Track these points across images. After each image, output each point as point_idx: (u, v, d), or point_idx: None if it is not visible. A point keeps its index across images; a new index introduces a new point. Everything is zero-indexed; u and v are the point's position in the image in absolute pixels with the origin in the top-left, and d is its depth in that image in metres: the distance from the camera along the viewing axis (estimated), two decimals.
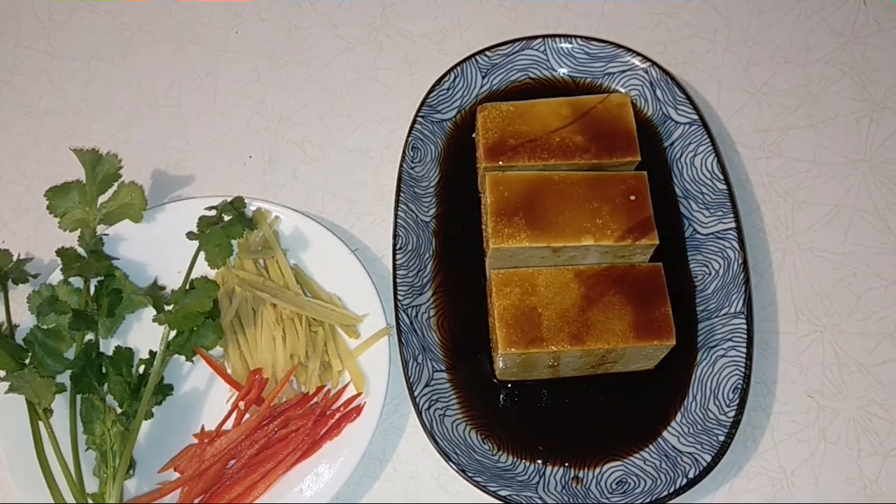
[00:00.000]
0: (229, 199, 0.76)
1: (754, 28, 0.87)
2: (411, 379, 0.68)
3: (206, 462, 0.69)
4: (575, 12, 0.89)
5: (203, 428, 0.72)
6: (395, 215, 0.74)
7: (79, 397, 0.71)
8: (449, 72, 0.80)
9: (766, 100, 0.83)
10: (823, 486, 0.68)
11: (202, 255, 0.73)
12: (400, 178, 0.75)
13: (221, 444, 0.70)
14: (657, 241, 0.68)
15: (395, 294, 0.71)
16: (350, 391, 0.71)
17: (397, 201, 0.74)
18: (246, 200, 0.77)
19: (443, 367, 0.71)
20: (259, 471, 0.69)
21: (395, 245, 0.73)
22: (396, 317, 0.70)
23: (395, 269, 0.72)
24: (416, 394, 0.68)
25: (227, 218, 0.74)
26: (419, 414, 0.67)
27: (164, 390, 0.72)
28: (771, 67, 0.85)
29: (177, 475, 0.70)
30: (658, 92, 0.79)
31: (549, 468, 0.67)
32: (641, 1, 0.89)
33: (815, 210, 0.78)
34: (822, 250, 0.77)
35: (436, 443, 0.66)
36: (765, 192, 0.79)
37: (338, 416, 0.70)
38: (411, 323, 0.71)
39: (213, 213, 0.75)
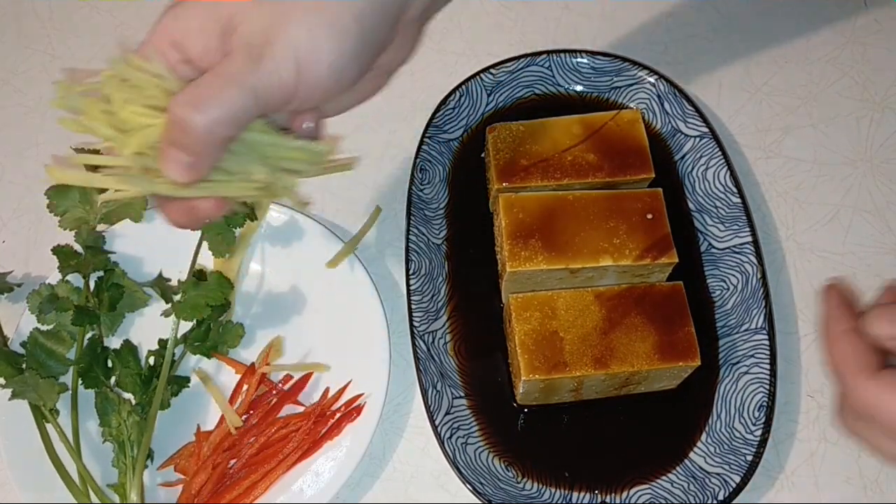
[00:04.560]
0: None
1: (754, 28, 0.87)
2: (432, 408, 0.67)
3: (206, 459, 0.69)
4: (575, 12, 0.89)
5: (199, 428, 0.72)
6: (407, 239, 0.73)
7: (86, 394, 0.71)
8: (454, 91, 0.79)
9: (766, 100, 0.83)
10: (823, 486, 0.68)
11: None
12: (410, 202, 0.75)
13: (215, 438, 0.70)
14: (676, 260, 0.68)
15: (411, 321, 0.70)
16: (350, 391, 0.71)
17: (408, 225, 0.74)
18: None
19: (462, 394, 0.70)
20: (259, 470, 0.69)
21: (408, 270, 0.72)
22: (413, 344, 0.69)
23: (409, 294, 0.71)
24: (437, 423, 0.67)
25: None
26: (441, 444, 0.66)
27: (180, 382, 0.73)
28: (771, 67, 0.85)
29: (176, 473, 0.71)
30: (666, 105, 0.78)
31: (575, 494, 0.67)
32: (641, 1, 0.89)
33: (816, 210, 0.78)
34: (822, 250, 0.77)
35: (460, 473, 0.65)
36: (765, 192, 0.79)
37: (338, 415, 0.70)
38: (428, 350, 0.70)
39: None
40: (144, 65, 0.44)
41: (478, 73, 0.79)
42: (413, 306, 0.71)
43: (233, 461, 0.70)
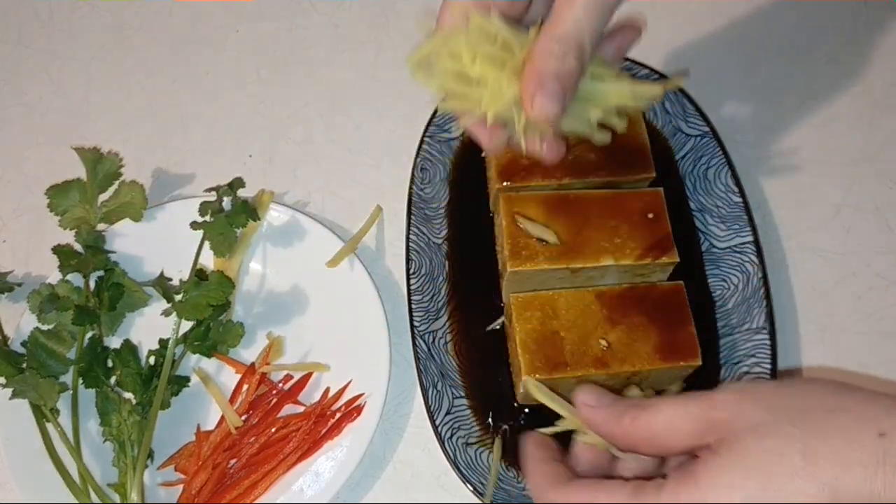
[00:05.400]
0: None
1: (754, 28, 0.87)
2: (432, 408, 0.67)
3: (207, 459, 0.69)
4: None
5: (199, 428, 0.72)
6: (407, 238, 0.73)
7: (87, 393, 0.71)
8: None
9: (767, 100, 0.83)
10: None
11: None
12: (410, 201, 0.75)
13: (215, 438, 0.70)
14: (677, 259, 0.67)
15: (412, 320, 0.70)
16: (350, 391, 0.71)
17: (409, 224, 0.74)
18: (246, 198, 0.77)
19: (462, 394, 0.70)
20: (259, 470, 0.69)
21: (408, 269, 0.72)
22: (414, 343, 0.69)
23: (409, 294, 0.71)
24: (437, 423, 0.67)
25: (226, 200, 0.75)
26: (442, 444, 0.66)
27: (180, 382, 0.73)
28: (771, 67, 0.85)
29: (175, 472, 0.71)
30: (667, 104, 0.78)
31: None
32: (642, 1, 0.89)
33: (816, 209, 0.78)
34: (822, 250, 0.76)
35: (460, 473, 0.65)
36: (766, 192, 0.79)
37: (338, 415, 0.70)
38: (429, 349, 0.70)
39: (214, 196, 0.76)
40: (480, 21, 0.49)
41: None
42: (413, 306, 0.71)
43: (233, 461, 0.70)
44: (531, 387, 0.57)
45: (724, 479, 0.38)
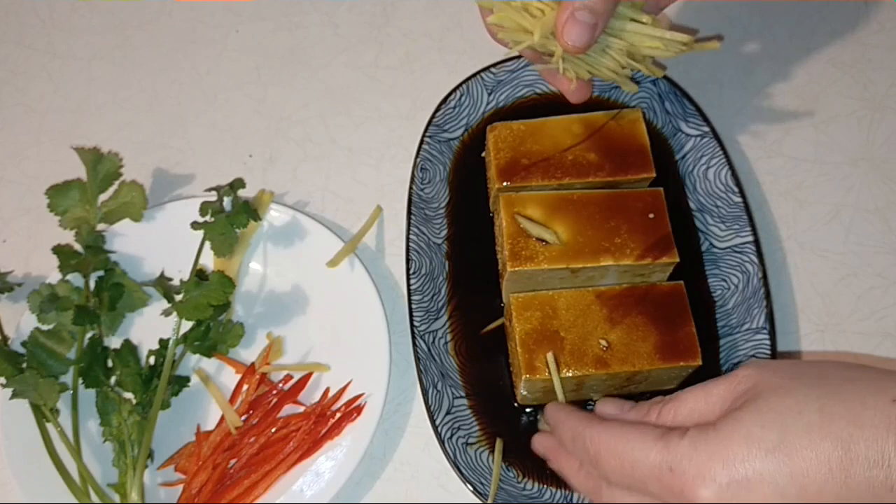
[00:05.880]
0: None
1: (754, 28, 0.87)
2: (432, 408, 0.67)
3: (207, 459, 0.69)
4: None
5: (199, 428, 0.72)
6: (407, 239, 0.73)
7: (87, 393, 0.71)
8: (455, 90, 0.79)
9: (767, 100, 0.83)
10: None
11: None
12: (410, 201, 0.75)
13: (215, 438, 0.70)
14: (677, 259, 0.67)
15: (412, 320, 0.70)
16: (350, 391, 0.71)
17: (409, 224, 0.74)
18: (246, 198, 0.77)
19: (462, 394, 0.70)
20: (259, 470, 0.69)
21: (408, 269, 0.72)
22: (414, 343, 0.69)
23: (409, 294, 0.71)
24: (437, 423, 0.67)
25: (226, 200, 0.75)
26: (441, 444, 0.66)
27: (180, 382, 0.73)
28: (771, 67, 0.85)
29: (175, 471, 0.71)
30: (667, 104, 0.78)
31: (576, 494, 0.66)
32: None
33: (817, 209, 0.78)
34: (823, 249, 0.77)
35: (460, 473, 0.65)
36: (766, 192, 0.79)
37: (338, 415, 0.70)
38: (429, 349, 0.70)
39: (214, 196, 0.76)
40: None
41: (478, 72, 0.80)
42: (413, 306, 0.71)
43: (233, 461, 0.70)
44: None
45: (744, 429, 0.42)
